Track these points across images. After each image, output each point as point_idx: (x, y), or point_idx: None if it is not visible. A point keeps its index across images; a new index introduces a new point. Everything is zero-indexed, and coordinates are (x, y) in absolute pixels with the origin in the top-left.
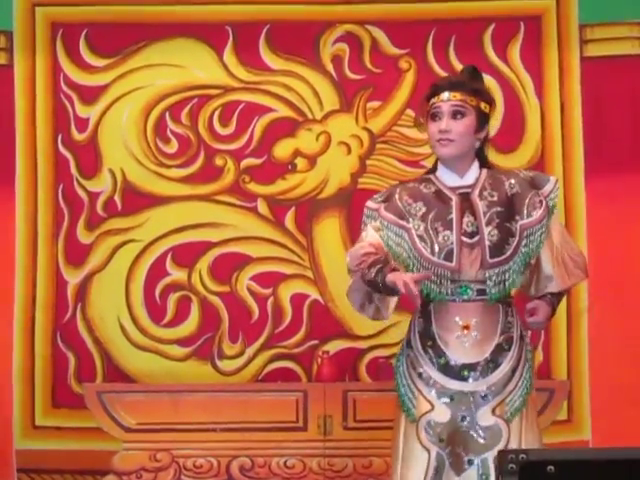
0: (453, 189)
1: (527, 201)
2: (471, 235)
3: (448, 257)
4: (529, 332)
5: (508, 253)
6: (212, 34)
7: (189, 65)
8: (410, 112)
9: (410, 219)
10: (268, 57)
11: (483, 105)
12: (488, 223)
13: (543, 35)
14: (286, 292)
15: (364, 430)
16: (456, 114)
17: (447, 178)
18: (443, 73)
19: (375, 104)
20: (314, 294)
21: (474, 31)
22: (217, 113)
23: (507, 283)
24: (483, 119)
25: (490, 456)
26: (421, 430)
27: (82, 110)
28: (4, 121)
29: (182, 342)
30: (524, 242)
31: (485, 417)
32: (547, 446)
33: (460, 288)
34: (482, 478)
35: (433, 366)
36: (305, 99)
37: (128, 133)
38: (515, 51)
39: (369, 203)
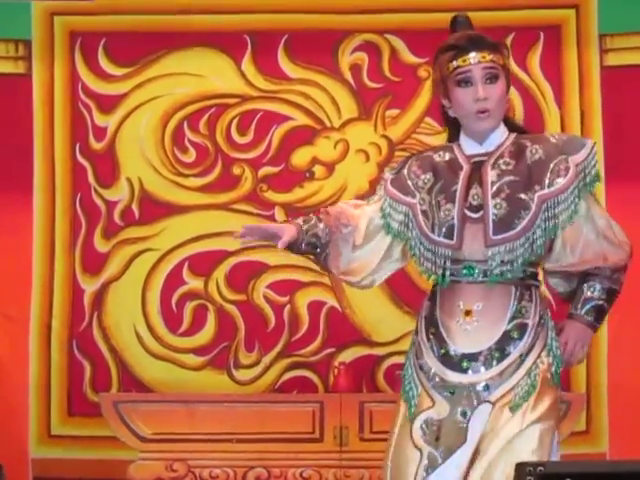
0: (469, 157)
1: (550, 168)
2: (477, 209)
3: (448, 234)
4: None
5: (518, 228)
6: (230, 43)
7: (207, 74)
8: (429, 120)
9: (417, 193)
10: (286, 66)
11: (507, 62)
12: (496, 195)
13: (563, 44)
14: (303, 300)
15: (380, 441)
16: (490, 78)
17: (467, 145)
18: None
19: (394, 112)
20: (331, 301)
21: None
22: (235, 122)
23: (516, 263)
24: (509, 77)
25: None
26: (416, 429)
27: (100, 119)
28: (22, 129)
29: (198, 351)
30: (544, 216)
31: (485, 410)
32: (564, 458)
33: (464, 268)
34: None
35: (434, 356)
36: (323, 107)
37: (146, 142)
38: (535, 60)
39: (385, 172)
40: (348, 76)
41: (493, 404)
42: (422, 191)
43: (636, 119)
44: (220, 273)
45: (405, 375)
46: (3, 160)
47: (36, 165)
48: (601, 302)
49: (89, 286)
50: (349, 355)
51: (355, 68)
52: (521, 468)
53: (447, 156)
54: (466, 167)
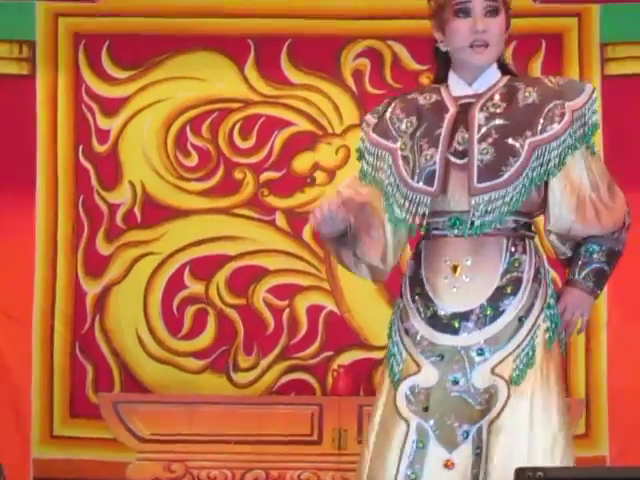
0: (457, 99)
1: (544, 113)
2: (462, 155)
3: (428, 181)
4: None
5: (505, 176)
6: (234, 47)
7: (210, 78)
8: None
9: (398, 138)
10: (289, 71)
11: None
12: (483, 139)
13: (564, 53)
14: (302, 304)
15: None
16: (491, 11)
17: (455, 86)
18: None
19: None
20: (330, 305)
21: None
22: (237, 126)
23: (501, 213)
24: (509, 16)
25: (485, 424)
26: (401, 397)
27: (103, 122)
28: (26, 131)
29: (198, 355)
30: (534, 164)
31: (482, 377)
32: None
33: (450, 220)
34: (475, 452)
35: (420, 318)
36: (325, 113)
37: (149, 145)
38: (536, 68)
39: (367, 116)
40: (350, 82)
41: (492, 372)
42: (404, 136)
43: (637, 128)
44: (221, 277)
45: (390, 342)
46: (6, 161)
47: (39, 167)
48: (601, 265)
49: (91, 288)
50: (347, 358)
51: (357, 74)
52: (521, 473)
53: (433, 98)
54: (452, 109)
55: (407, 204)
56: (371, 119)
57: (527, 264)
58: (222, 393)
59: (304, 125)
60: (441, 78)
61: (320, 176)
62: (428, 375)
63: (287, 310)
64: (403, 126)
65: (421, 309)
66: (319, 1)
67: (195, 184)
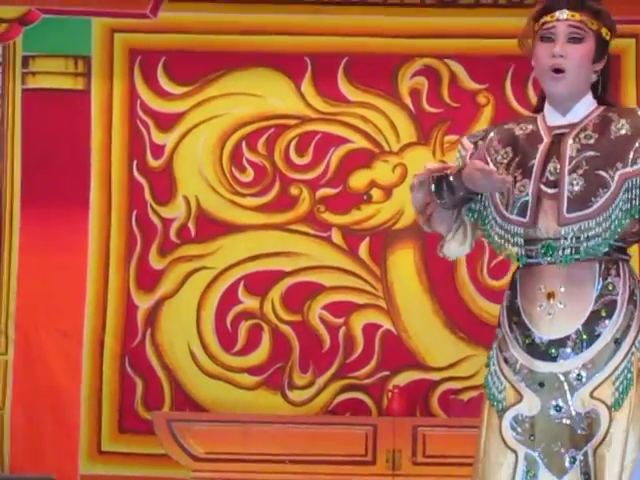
0: (551, 129)
1: (636, 146)
2: (554, 184)
3: (522, 211)
4: None
5: (594, 207)
6: (291, 64)
7: (267, 94)
8: None
9: (495, 169)
10: (346, 88)
11: (604, 31)
12: (573, 170)
13: (622, 74)
14: (358, 322)
15: (433, 466)
16: (574, 38)
17: (550, 116)
18: (521, 109)
19: (452, 138)
20: (386, 324)
21: None
22: (294, 143)
23: (592, 243)
24: (603, 48)
25: (590, 449)
26: (506, 427)
27: (158, 137)
28: (80, 145)
29: (252, 371)
30: (624, 196)
31: (581, 402)
32: None
33: (543, 248)
34: (585, 478)
35: (519, 347)
36: (382, 131)
37: (204, 161)
38: None
39: (464, 140)
40: (407, 100)
41: (591, 396)
42: (500, 167)
43: None
44: (276, 293)
45: (488, 371)
46: (60, 176)
47: (93, 181)
48: None
49: (143, 303)
50: (403, 379)
51: (414, 92)
52: None
53: (529, 128)
54: (546, 140)
55: (504, 234)
56: (468, 144)
57: (621, 287)
58: (276, 411)
59: (360, 142)
60: (540, 107)
61: (376, 193)
62: (530, 403)
63: (343, 328)
64: (499, 157)
65: (519, 338)
66: (376, 19)
67: (250, 199)
